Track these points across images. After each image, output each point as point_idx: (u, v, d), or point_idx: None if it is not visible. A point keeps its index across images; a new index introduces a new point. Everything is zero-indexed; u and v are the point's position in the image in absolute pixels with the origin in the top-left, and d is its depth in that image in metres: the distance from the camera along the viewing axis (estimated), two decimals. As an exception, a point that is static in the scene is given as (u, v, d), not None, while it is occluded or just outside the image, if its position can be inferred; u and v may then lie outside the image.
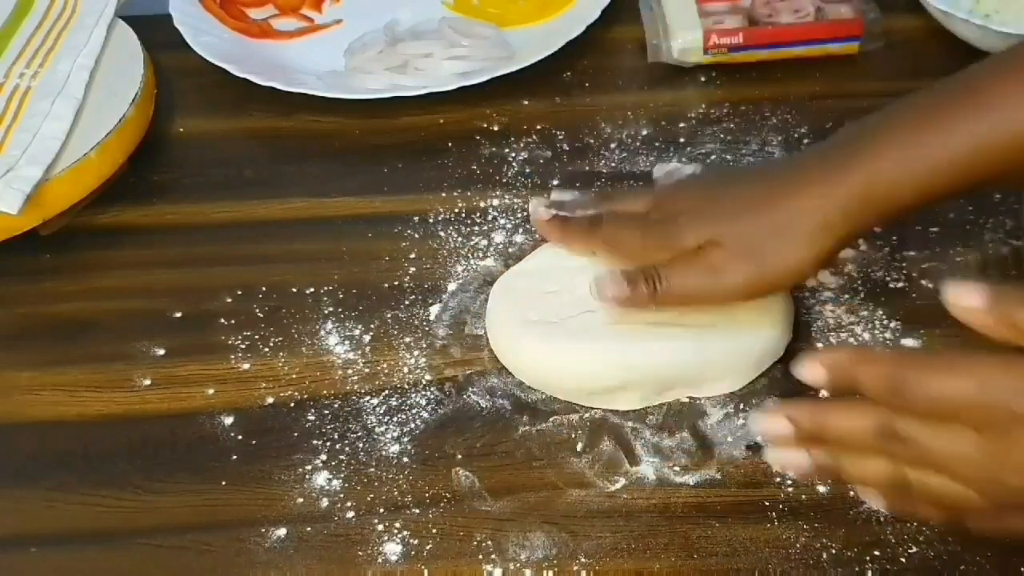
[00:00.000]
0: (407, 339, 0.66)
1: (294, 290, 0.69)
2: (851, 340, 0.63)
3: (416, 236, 0.72)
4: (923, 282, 0.66)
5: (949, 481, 0.42)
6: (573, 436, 0.60)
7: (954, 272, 0.67)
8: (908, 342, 0.63)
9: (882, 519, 0.55)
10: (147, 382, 0.65)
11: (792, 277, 0.57)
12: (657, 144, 0.78)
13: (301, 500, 0.58)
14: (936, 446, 0.42)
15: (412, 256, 0.71)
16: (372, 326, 0.67)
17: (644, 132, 0.79)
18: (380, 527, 0.57)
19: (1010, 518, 0.43)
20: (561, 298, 0.62)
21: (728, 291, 0.57)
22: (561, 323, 0.61)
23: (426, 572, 0.55)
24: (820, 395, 0.60)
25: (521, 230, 0.72)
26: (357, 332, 0.66)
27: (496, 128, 0.81)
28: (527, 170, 0.77)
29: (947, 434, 0.41)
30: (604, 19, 0.87)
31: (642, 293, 0.57)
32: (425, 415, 0.62)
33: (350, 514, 0.57)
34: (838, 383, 0.45)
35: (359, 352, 0.65)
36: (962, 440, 0.41)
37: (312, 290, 0.69)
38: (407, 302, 0.68)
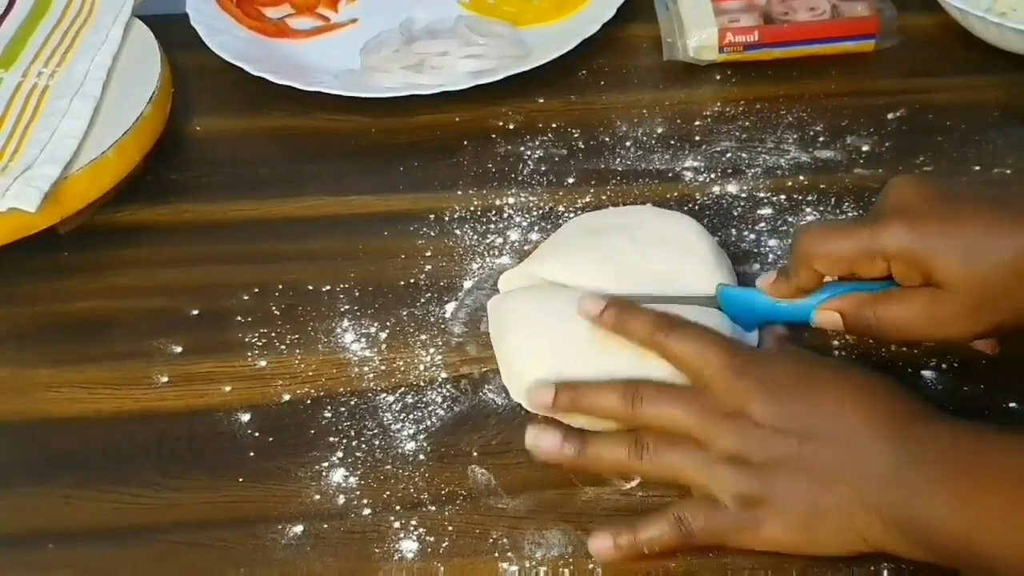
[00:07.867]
0: (423, 336, 0.66)
1: (310, 288, 0.69)
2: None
3: (432, 234, 0.73)
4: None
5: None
6: (589, 434, 0.60)
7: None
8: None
9: (899, 517, 0.55)
10: (164, 379, 0.65)
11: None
12: (672, 142, 0.78)
13: (318, 497, 0.58)
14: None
15: (428, 254, 0.71)
16: (388, 324, 0.67)
17: (659, 130, 0.79)
18: (396, 524, 0.57)
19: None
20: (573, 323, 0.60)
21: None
22: (582, 361, 0.59)
23: (442, 569, 0.55)
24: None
25: (536, 228, 0.72)
26: (373, 329, 0.67)
27: (512, 126, 0.81)
28: (542, 168, 0.77)
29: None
30: (619, 17, 0.87)
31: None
32: (441, 412, 0.62)
33: (366, 511, 0.57)
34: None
35: (375, 349, 0.65)
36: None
37: (328, 288, 0.69)
38: (423, 300, 0.68)
